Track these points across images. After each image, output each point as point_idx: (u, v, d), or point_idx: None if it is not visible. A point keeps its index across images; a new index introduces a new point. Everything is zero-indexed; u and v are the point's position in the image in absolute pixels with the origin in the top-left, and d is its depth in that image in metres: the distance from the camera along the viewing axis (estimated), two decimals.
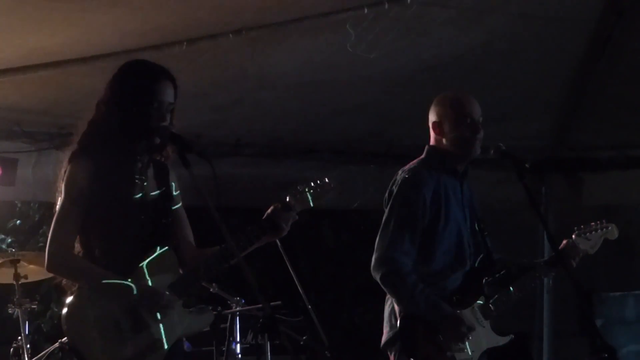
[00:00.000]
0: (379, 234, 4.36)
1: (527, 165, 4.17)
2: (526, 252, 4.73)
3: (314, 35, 5.78)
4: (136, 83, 3.77)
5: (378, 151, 7.05)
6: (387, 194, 4.43)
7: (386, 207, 4.40)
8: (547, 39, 6.31)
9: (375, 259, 4.32)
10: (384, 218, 4.38)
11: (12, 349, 5.73)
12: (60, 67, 5.55)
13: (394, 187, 4.40)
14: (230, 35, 5.52)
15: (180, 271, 3.85)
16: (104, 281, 3.66)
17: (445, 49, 6.21)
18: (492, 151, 4.26)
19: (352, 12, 5.55)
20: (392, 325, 4.35)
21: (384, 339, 4.40)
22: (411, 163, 4.48)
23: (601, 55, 6.60)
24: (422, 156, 4.50)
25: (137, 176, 3.79)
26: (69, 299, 3.72)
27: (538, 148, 7.47)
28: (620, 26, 6.37)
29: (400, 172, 4.45)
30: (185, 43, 5.49)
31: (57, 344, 5.44)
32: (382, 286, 4.32)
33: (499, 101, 6.81)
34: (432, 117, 4.48)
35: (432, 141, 4.50)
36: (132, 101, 3.74)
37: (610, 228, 4.65)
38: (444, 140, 4.43)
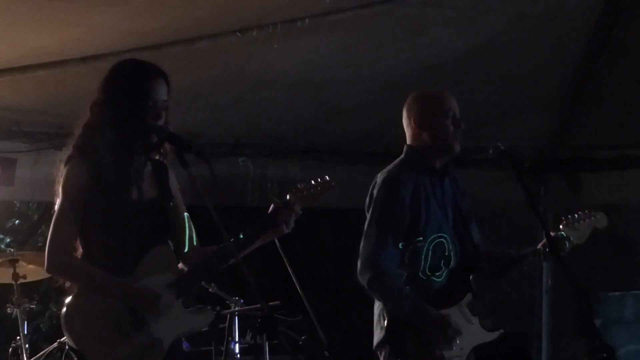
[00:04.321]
0: (362, 238, 4.35)
1: (526, 165, 4.16)
2: None
3: (313, 35, 5.78)
4: (129, 82, 3.77)
5: (378, 151, 7.05)
6: (367, 198, 4.42)
7: (368, 212, 4.39)
8: (546, 38, 6.31)
9: (361, 264, 4.31)
10: (366, 222, 4.37)
11: (10, 349, 5.73)
12: (60, 66, 5.55)
13: (373, 190, 4.40)
14: (230, 35, 5.52)
15: (180, 269, 3.86)
16: (104, 283, 3.66)
17: (444, 49, 6.22)
18: (491, 151, 4.25)
19: (351, 12, 5.55)
20: (382, 327, 4.35)
21: (375, 340, 4.40)
22: (390, 165, 4.48)
23: (600, 55, 6.60)
24: (401, 156, 4.49)
25: (134, 176, 3.79)
26: (69, 299, 3.72)
27: (537, 148, 7.48)
28: (619, 26, 6.38)
29: (379, 174, 4.44)
30: (185, 43, 5.50)
31: (55, 344, 5.44)
32: (368, 291, 4.32)
33: (498, 101, 6.82)
34: (411, 114, 4.46)
35: (409, 140, 4.48)
36: (126, 101, 3.74)
37: (598, 216, 4.56)
38: (424, 135, 4.41)
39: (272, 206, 3.91)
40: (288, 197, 3.93)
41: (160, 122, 3.76)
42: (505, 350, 4.43)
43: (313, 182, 3.99)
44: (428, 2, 5.72)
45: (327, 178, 4.01)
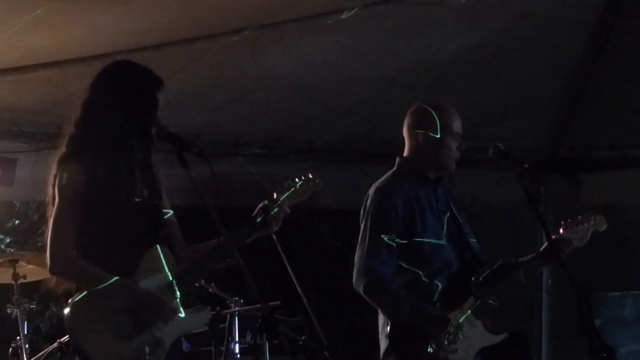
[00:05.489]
0: (357, 248, 4.38)
1: (526, 166, 4.16)
2: (525, 252, 4.71)
3: (313, 35, 5.78)
4: (142, 90, 3.78)
5: (378, 151, 7.05)
6: (362, 210, 4.45)
7: (362, 222, 4.42)
8: (546, 38, 6.31)
9: (356, 272, 4.33)
10: (360, 233, 4.40)
11: (10, 349, 5.72)
12: (59, 67, 5.55)
13: (367, 202, 4.43)
14: (230, 35, 5.52)
15: (177, 269, 3.86)
16: (109, 282, 3.66)
17: (445, 49, 6.22)
18: (491, 151, 4.26)
19: (351, 12, 5.55)
20: (386, 335, 4.36)
21: (381, 349, 4.40)
22: (382, 177, 4.50)
23: (600, 55, 6.60)
24: (394, 169, 4.52)
25: (131, 178, 3.79)
26: (72, 299, 3.72)
27: (537, 148, 7.48)
28: (619, 26, 6.38)
29: (372, 186, 4.47)
30: (185, 43, 5.50)
31: (55, 344, 5.44)
32: (365, 298, 4.33)
33: (498, 101, 6.82)
34: (415, 125, 4.47)
35: (407, 150, 4.50)
36: (138, 106, 3.75)
37: (598, 219, 4.57)
38: (427, 150, 4.42)
39: (260, 204, 3.92)
40: (275, 195, 3.94)
41: (162, 124, 3.77)
42: (505, 350, 4.42)
43: (297, 179, 4.00)
44: (428, 2, 5.72)
45: (311, 176, 4.02)
